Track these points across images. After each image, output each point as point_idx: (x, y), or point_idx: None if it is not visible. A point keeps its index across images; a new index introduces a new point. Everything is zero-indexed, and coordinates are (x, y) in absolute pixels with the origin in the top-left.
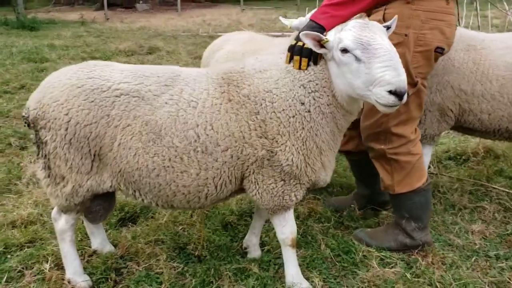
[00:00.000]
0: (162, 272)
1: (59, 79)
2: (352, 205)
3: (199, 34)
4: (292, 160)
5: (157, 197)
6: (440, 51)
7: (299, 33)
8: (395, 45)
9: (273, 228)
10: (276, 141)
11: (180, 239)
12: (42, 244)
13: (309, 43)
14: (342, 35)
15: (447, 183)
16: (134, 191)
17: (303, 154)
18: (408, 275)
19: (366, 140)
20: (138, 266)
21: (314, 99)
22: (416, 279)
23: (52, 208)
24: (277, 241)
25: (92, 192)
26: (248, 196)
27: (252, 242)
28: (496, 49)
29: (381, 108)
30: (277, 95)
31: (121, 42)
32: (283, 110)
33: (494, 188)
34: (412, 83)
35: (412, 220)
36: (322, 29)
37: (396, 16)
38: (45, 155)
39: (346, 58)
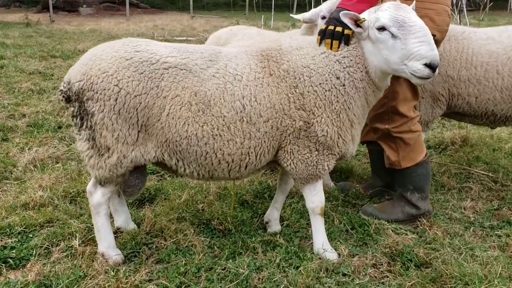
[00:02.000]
0: (193, 245)
1: (105, 52)
2: (357, 187)
3: (155, 38)
4: (327, 131)
5: (201, 166)
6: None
7: (332, 18)
8: None
9: (290, 204)
10: (313, 113)
11: (202, 215)
12: (62, 223)
13: (347, 22)
14: (379, 14)
15: (435, 167)
16: (178, 160)
17: (336, 126)
18: (423, 242)
19: (372, 122)
20: (165, 241)
21: (348, 73)
22: (429, 245)
23: (64, 191)
24: (295, 216)
25: (135, 163)
26: (258, 176)
27: (273, 216)
28: (478, 39)
29: (416, 80)
30: (314, 70)
31: (77, 42)
32: (320, 84)
33: (476, 171)
34: None
35: (416, 191)
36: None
37: (414, 1)
38: (91, 127)
39: (383, 36)
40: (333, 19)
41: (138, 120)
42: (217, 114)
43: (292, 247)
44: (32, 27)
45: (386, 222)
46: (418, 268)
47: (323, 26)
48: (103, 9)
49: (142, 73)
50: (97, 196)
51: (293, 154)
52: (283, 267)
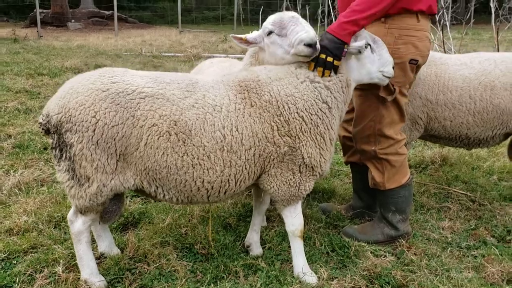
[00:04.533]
0: (175, 270)
1: (82, 85)
2: (338, 208)
3: (143, 54)
4: (311, 153)
5: (180, 193)
6: (414, 63)
7: (325, 46)
8: None
9: (272, 228)
10: (299, 138)
11: (185, 240)
12: (46, 249)
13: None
14: (359, 36)
15: (414, 187)
16: (157, 187)
17: (319, 147)
18: (400, 264)
19: (358, 144)
20: (149, 266)
21: (335, 98)
22: (407, 267)
23: (48, 216)
24: (277, 239)
25: (115, 191)
26: (243, 200)
27: (254, 239)
28: (453, 64)
29: (386, 81)
30: (299, 98)
31: (64, 59)
32: (306, 109)
33: (455, 191)
34: (389, 90)
35: (397, 213)
36: (344, 44)
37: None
38: (70, 158)
39: (366, 52)
40: (325, 49)
41: (116, 149)
42: (198, 144)
43: (273, 271)
44: (20, 43)
45: (366, 244)
46: None
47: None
48: (91, 24)
49: (118, 104)
50: (78, 224)
51: (276, 177)
52: None
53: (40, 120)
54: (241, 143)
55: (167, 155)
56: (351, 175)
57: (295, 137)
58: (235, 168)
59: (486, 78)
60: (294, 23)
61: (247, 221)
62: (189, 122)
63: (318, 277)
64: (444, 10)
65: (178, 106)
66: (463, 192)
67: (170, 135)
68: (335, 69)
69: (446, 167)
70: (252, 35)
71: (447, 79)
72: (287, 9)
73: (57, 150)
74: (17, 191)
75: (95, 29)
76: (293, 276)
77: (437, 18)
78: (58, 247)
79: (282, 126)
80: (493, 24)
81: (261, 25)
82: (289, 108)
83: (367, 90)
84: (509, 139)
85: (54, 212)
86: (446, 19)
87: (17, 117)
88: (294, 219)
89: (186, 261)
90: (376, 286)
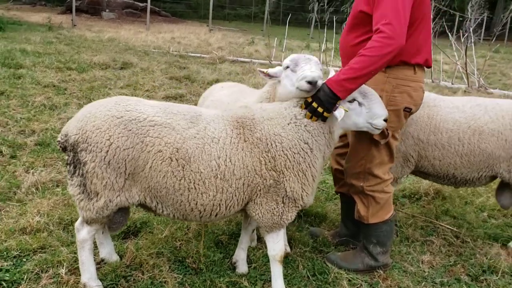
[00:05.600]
0: (166, 281)
1: (99, 111)
2: (326, 233)
3: (170, 52)
4: (293, 187)
5: (176, 211)
6: (408, 111)
7: (318, 97)
8: None
9: (260, 248)
10: (283, 173)
11: (179, 253)
12: (53, 250)
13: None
14: None
15: (403, 218)
16: (157, 203)
17: (301, 183)
18: None
19: (348, 178)
20: (143, 275)
21: (316, 140)
22: None
23: (59, 218)
24: (263, 259)
25: (120, 206)
26: (238, 218)
27: (240, 257)
28: (445, 107)
29: (376, 131)
30: (284, 137)
31: (94, 53)
32: (290, 148)
33: (441, 225)
34: (383, 134)
35: (378, 245)
36: (337, 99)
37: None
38: (82, 174)
39: (352, 105)
40: (319, 100)
41: (125, 169)
42: (195, 170)
43: None
44: (54, 31)
45: (345, 272)
46: None
47: (310, 99)
48: (125, 14)
49: (130, 130)
50: (83, 233)
51: (261, 205)
52: None
53: (59, 139)
54: (233, 173)
55: (167, 178)
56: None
57: (279, 172)
58: (226, 195)
59: (475, 123)
60: (306, 62)
61: (237, 239)
62: (190, 150)
63: None
64: (470, 31)
65: (181, 135)
66: (449, 227)
67: (172, 161)
68: (324, 119)
69: (439, 200)
70: (274, 69)
71: (438, 121)
72: (317, 12)
73: (71, 166)
74: (34, 190)
75: (128, 21)
76: None
77: (462, 39)
78: (64, 250)
79: (269, 161)
80: None
81: (290, 26)
82: (276, 146)
83: (362, 132)
84: (497, 181)
85: (64, 215)
86: (471, 40)
87: (43, 112)
88: (275, 245)
89: (177, 273)
90: None
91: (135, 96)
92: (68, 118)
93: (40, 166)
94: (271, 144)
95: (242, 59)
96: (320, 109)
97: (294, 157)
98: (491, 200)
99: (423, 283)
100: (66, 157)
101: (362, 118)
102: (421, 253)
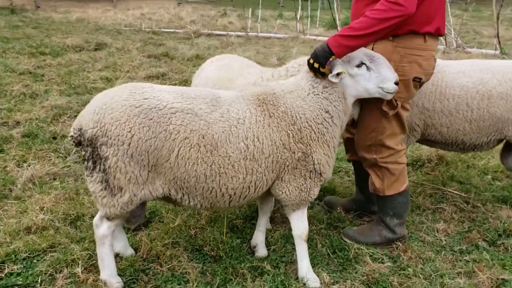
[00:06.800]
0: (187, 272)
1: (115, 101)
2: (338, 209)
3: (142, 30)
4: (320, 160)
5: (204, 199)
6: (418, 80)
7: (315, 51)
8: None
9: (276, 229)
10: (309, 145)
11: (195, 241)
12: (64, 248)
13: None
14: (354, 55)
15: (411, 187)
16: (183, 194)
17: (326, 155)
18: (397, 269)
19: (360, 151)
20: (161, 267)
21: (335, 107)
22: (403, 272)
23: (64, 213)
24: (281, 241)
25: (144, 200)
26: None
27: (259, 239)
28: (450, 73)
29: (389, 96)
30: (306, 108)
31: (65, 35)
32: (313, 119)
33: (450, 191)
34: (392, 105)
35: (395, 217)
36: (331, 54)
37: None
38: (104, 169)
39: (360, 70)
40: (315, 54)
41: (148, 161)
42: (224, 154)
43: (279, 275)
44: (17, 14)
45: (365, 247)
46: None
47: (311, 60)
48: None
49: (151, 119)
50: (103, 228)
51: (289, 182)
52: None
53: (72, 134)
54: (262, 152)
55: (198, 165)
56: (350, 172)
57: (306, 144)
58: (255, 175)
59: (484, 87)
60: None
61: (252, 222)
62: (216, 135)
63: (321, 281)
64: None
65: (205, 120)
66: (458, 193)
67: (200, 147)
68: (322, 75)
69: (442, 166)
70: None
71: (444, 87)
72: None
73: (90, 162)
74: (31, 186)
75: None
76: (297, 279)
77: None
78: (76, 247)
79: (296, 134)
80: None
81: None
82: (301, 117)
83: (371, 103)
84: (502, 144)
85: (69, 210)
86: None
87: (23, 101)
88: (300, 224)
89: (196, 263)
90: None
91: (116, 78)
92: (52, 106)
93: (32, 159)
94: (296, 116)
95: (218, 32)
96: (316, 65)
97: (318, 128)
98: (492, 162)
99: (442, 253)
100: (83, 152)
101: (372, 83)
102: (434, 222)
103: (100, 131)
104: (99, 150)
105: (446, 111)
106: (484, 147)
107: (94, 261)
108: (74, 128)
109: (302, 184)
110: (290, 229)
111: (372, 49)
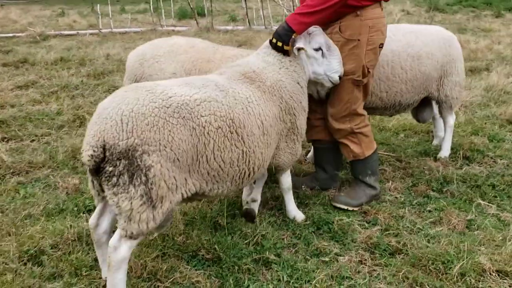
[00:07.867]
0: (198, 281)
1: (142, 105)
2: (303, 186)
3: None
4: (302, 124)
5: (233, 183)
6: (381, 46)
7: (277, 31)
8: (352, 48)
9: (264, 219)
10: (294, 114)
11: (186, 248)
12: None
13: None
14: (315, 38)
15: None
16: (213, 184)
17: (303, 118)
18: (384, 231)
19: (335, 124)
20: (162, 283)
21: (302, 78)
22: (390, 232)
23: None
24: (271, 229)
25: (177, 204)
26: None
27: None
28: None
29: (330, 84)
30: (284, 81)
31: None
32: (292, 90)
33: (381, 153)
34: (364, 73)
35: (372, 175)
36: (292, 32)
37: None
38: (146, 181)
39: (317, 54)
40: (277, 34)
41: (187, 161)
42: (250, 134)
43: (286, 261)
44: None
45: (345, 217)
46: (393, 256)
47: (274, 40)
48: None
49: (184, 117)
50: (123, 250)
51: (285, 149)
52: (293, 283)
53: (91, 153)
54: (270, 125)
55: (233, 151)
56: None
57: (292, 114)
58: (270, 149)
59: (413, 50)
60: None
61: (235, 218)
62: (241, 116)
63: (327, 255)
64: None
65: (227, 105)
66: (389, 154)
67: (232, 133)
68: (285, 53)
69: None
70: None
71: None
72: None
73: (126, 176)
74: None
75: None
76: (306, 258)
77: None
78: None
79: (285, 106)
80: None
81: None
82: (284, 91)
83: (343, 76)
84: None
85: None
86: None
87: None
88: (287, 178)
89: (197, 270)
90: (377, 255)
91: None
92: None
93: None
94: (281, 90)
95: (66, 32)
96: (279, 43)
97: (297, 98)
98: (397, 122)
99: (406, 208)
100: (109, 169)
101: (322, 69)
102: (382, 182)
103: (139, 139)
104: (138, 160)
105: (383, 77)
106: (411, 106)
107: None
108: (93, 146)
109: (293, 148)
110: (283, 215)
111: (340, 27)
